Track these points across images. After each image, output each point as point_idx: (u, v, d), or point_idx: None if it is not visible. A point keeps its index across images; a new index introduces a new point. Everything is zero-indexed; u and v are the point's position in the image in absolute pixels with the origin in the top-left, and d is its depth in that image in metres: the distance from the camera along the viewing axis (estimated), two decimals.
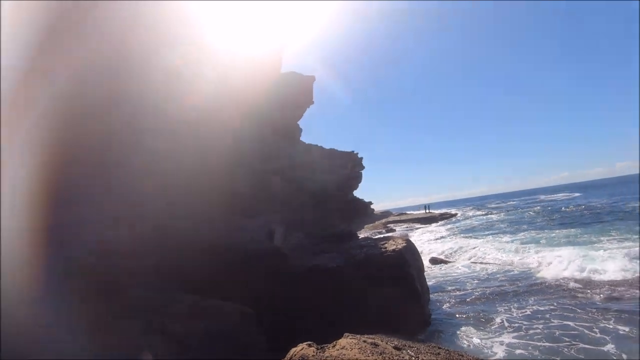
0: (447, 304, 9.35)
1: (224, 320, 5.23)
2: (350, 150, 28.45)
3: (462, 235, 24.75)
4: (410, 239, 9.40)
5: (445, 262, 14.41)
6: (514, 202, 67.06)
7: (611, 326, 6.63)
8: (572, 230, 19.35)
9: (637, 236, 14.35)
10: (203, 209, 6.84)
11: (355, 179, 28.91)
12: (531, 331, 6.88)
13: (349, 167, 25.60)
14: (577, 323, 6.95)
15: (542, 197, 76.47)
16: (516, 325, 7.31)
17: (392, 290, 7.11)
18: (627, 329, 6.41)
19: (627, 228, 17.06)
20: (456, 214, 49.10)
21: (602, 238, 15.32)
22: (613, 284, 9.15)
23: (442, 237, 25.13)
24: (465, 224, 34.36)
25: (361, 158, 32.42)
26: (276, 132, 8.76)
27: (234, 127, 7.57)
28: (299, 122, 11.36)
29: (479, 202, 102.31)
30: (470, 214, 48.47)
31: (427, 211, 54.47)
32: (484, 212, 46.88)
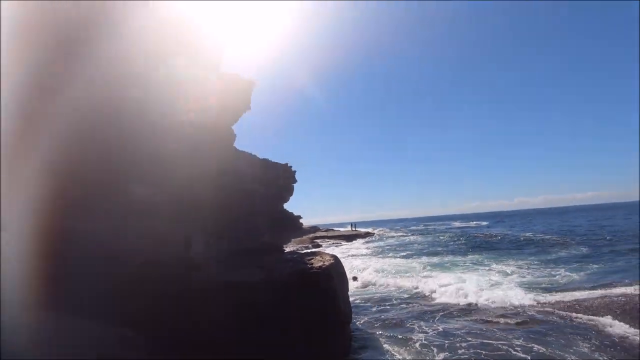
0: (366, 323, 9.35)
1: (92, 347, 4.35)
2: (284, 162, 28.31)
3: (382, 254, 25.87)
4: (338, 257, 9.24)
5: (366, 284, 14.70)
6: (431, 227, 72.44)
7: (526, 344, 7.16)
8: (478, 255, 21.43)
9: (524, 262, 16.49)
10: (107, 208, 6.07)
11: (286, 191, 28.73)
12: (459, 350, 7.12)
13: (281, 179, 25.40)
14: (491, 341, 7.47)
15: (457, 223, 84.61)
16: (437, 343, 7.49)
17: (316, 309, 6.72)
18: (542, 348, 6.96)
19: (520, 256, 19.45)
20: (380, 233, 51.42)
21: (500, 264, 17.11)
22: (512, 308, 9.81)
23: (363, 255, 25.98)
24: (387, 243, 36.11)
25: (294, 171, 32.45)
26: (207, 134, 8.20)
27: (162, 124, 6.94)
28: (233, 128, 10.94)
29: (401, 224, 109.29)
30: (393, 234, 51.16)
31: (354, 229, 56.26)
32: (404, 234, 49.83)
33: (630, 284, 11.05)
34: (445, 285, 12.55)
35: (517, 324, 8.35)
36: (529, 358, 6.51)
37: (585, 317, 8.51)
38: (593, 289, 11.06)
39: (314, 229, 54.69)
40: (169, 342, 5.38)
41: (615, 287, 11.13)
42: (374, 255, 25.57)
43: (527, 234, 33.21)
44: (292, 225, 31.88)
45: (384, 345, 7.67)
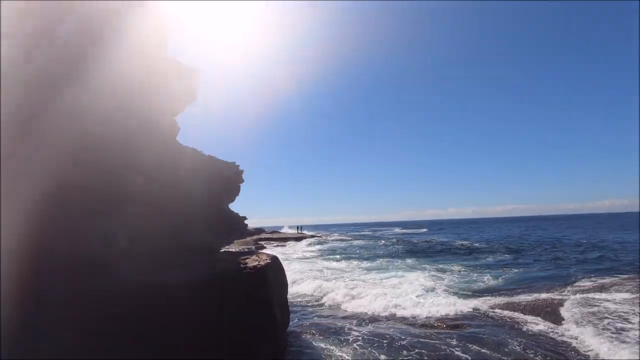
0: (301, 327, 9.06)
1: None
2: (232, 160, 27.38)
3: (323, 257, 26.25)
4: (278, 257, 8.74)
5: (302, 286, 14.50)
6: (378, 232, 74.92)
7: (464, 344, 7.44)
8: (414, 260, 22.48)
9: (458, 267, 17.55)
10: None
11: (232, 190, 27.72)
12: (400, 350, 7.18)
13: (228, 178, 24.46)
14: (430, 341, 7.70)
15: (397, 229, 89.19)
16: (376, 345, 7.51)
17: (247, 314, 6.12)
18: (479, 347, 7.27)
19: (456, 261, 20.69)
20: (326, 237, 51.90)
21: (434, 269, 18.00)
22: (446, 311, 10.03)
23: (304, 258, 26.02)
24: (330, 246, 36.63)
25: (242, 170, 31.47)
26: (141, 121, 7.46)
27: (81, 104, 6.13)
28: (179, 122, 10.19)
29: (348, 228, 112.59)
30: (337, 237, 52.05)
31: (300, 232, 56.26)
32: (349, 238, 50.83)
33: (552, 287, 12.27)
34: (381, 288, 12.87)
35: (452, 326, 8.72)
36: (469, 357, 6.76)
37: (514, 316, 9.15)
38: (522, 292, 11.98)
39: (259, 230, 53.85)
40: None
41: (540, 290, 12.19)
42: (315, 258, 25.81)
43: (464, 242, 35.66)
44: (235, 226, 30.90)
45: (321, 350, 7.47)
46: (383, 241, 41.32)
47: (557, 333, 7.85)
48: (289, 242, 41.22)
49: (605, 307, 9.26)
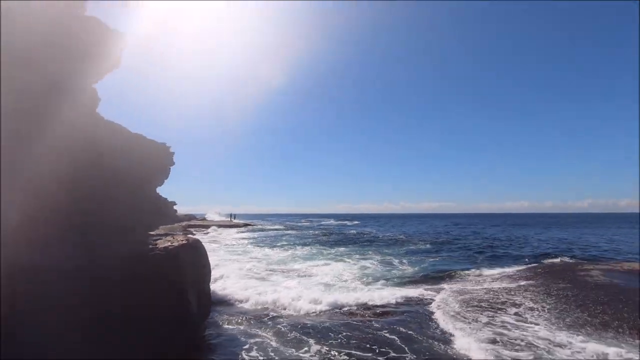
0: (223, 317, 8.51)
1: None
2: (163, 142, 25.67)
3: (254, 245, 26.18)
4: (200, 241, 7.94)
5: (228, 274, 14.16)
6: (315, 223, 76.06)
7: (392, 328, 7.70)
8: (343, 248, 23.47)
9: (385, 257, 18.55)
10: None
11: (161, 173, 26.06)
12: (330, 339, 7.05)
13: (156, 159, 22.92)
14: (358, 324, 7.95)
15: (332, 221, 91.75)
16: (306, 332, 7.37)
17: (154, 302, 5.45)
18: (405, 330, 7.55)
19: (383, 251, 21.83)
20: (259, 226, 51.42)
21: (363, 258, 18.80)
22: (372, 299, 10.07)
23: (235, 245, 25.63)
24: (263, 234, 36.56)
25: (172, 153, 29.71)
26: (55, 90, 6.61)
27: None
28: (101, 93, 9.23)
29: (283, 219, 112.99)
30: (271, 227, 51.97)
31: (233, 220, 54.95)
32: (283, 227, 51.04)
33: (457, 274, 13.57)
34: (306, 277, 13.16)
35: (378, 314, 8.85)
36: (396, 338, 7.08)
37: (436, 301, 9.73)
38: (440, 279, 13.00)
39: (190, 217, 51.51)
40: None
41: (454, 276, 13.36)
42: (245, 245, 25.63)
43: (399, 235, 37.89)
44: (164, 211, 29.18)
45: (244, 339, 7.06)
46: (316, 231, 42.25)
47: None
48: (219, 230, 40.08)
49: (491, 293, 10.42)
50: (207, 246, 24.71)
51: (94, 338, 4.98)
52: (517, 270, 13.95)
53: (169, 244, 6.22)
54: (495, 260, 18.25)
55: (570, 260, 16.82)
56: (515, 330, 7.19)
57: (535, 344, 6.47)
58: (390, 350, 6.52)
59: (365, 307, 9.46)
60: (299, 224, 71.66)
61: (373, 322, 8.25)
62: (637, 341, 6.35)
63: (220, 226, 43.50)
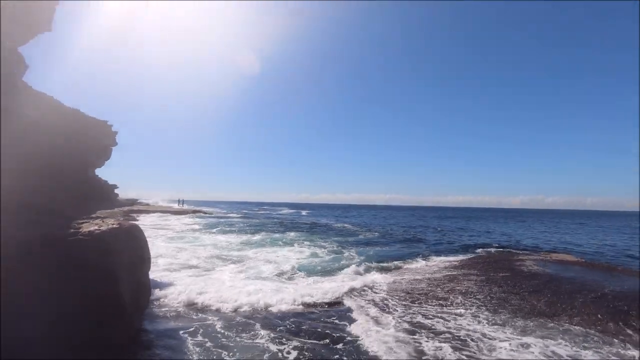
0: (166, 314, 7.68)
1: None
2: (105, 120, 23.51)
3: (203, 231, 25.28)
4: (139, 225, 7.06)
5: (170, 262, 13.40)
6: (261, 212, 75.07)
7: (343, 316, 7.64)
8: (294, 236, 23.47)
9: (332, 245, 18.75)
10: None
11: (100, 153, 23.95)
12: (278, 328, 6.70)
13: (94, 138, 20.91)
14: (310, 314, 7.67)
15: (285, 209, 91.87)
16: (251, 323, 6.98)
17: (76, 293, 4.82)
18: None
19: (331, 239, 22.06)
20: (209, 212, 49.65)
21: (313, 246, 18.85)
22: (321, 288, 10.24)
23: (181, 232, 24.49)
24: (211, 221, 35.47)
25: (115, 132, 27.45)
26: None
27: None
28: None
29: (236, 206, 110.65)
30: (221, 213, 50.54)
31: (181, 205, 52.49)
32: (234, 215, 49.74)
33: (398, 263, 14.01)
34: (253, 265, 12.85)
35: (330, 303, 8.71)
36: (317, 332, 6.90)
37: (369, 292, 9.89)
38: (382, 269, 13.25)
39: (133, 202, 48.34)
40: None
41: (396, 266, 13.73)
42: (192, 232, 24.64)
43: (345, 223, 38.52)
44: (103, 194, 26.92)
45: (183, 336, 6.43)
46: (268, 219, 41.84)
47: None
48: (166, 215, 38.07)
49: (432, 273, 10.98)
50: (150, 232, 23.26)
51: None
52: (460, 260, 14.67)
53: (96, 227, 5.43)
54: (439, 250, 19.13)
55: (509, 251, 18.19)
56: (445, 319, 7.46)
57: (464, 332, 6.63)
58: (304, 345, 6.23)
59: (300, 300, 8.90)
60: (253, 212, 70.55)
61: (305, 315, 7.97)
62: (567, 325, 6.89)
63: (165, 212, 41.34)
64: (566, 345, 5.97)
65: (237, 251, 16.25)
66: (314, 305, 8.65)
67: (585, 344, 6.03)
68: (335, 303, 8.80)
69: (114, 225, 5.64)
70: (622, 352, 5.78)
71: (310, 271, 12.33)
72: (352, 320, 7.48)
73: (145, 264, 6.86)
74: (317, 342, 6.33)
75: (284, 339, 6.38)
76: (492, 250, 19.04)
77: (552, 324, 6.98)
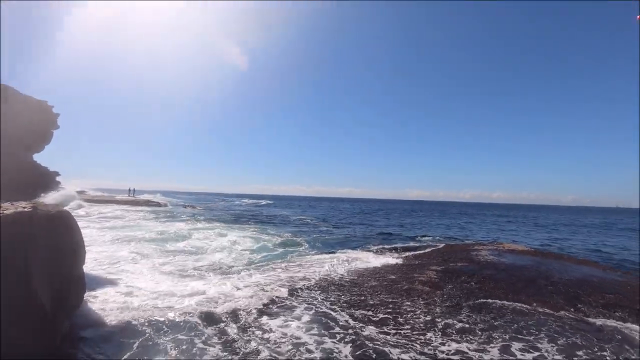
0: (98, 312, 6.64)
1: None
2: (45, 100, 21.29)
3: (153, 220, 24.44)
4: (68, 212, 5.90)
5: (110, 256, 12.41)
6: (228, 202, 73.10)
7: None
8: (247, 227, 23.31)
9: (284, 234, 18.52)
10: None
11: (39, 137, 21.70)
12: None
13: (32, 120, 18.84)
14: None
15: (246, 200, 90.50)
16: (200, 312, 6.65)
17: None
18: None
19: (286, 230, 21.80)
20: (164, 204, 47.31)
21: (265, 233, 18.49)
22: (268, 276, 10.41)
23: (124, 220, 23.14)
24: (159, 210, 34.39)
25: (57, 114, 25.04)
26: None
27: None
28: None
29: (194, 197, 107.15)
30: (178, 204, 48.52)
31: (132, 195, 49.40)
32: (190, 205, 47.86)
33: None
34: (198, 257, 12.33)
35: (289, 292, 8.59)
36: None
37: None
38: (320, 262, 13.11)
39: (79, 191, 44.82)
40: None
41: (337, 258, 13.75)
42: (142, 220, 23.46)
43: (301, 215, 38.36)
44: (42, 182, 24.57)
45: (117, 340, 5.60)
46: (222, 210, 40.79)
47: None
48: (113, 206, 35.57)
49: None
50: (92, 223, 21.56)
51: None
52: (413, 254, 14.94)
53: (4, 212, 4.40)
54: (390, 241, 19.43)
55: (464, 242, 18.95)
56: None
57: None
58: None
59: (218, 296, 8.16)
60: (209, 203, 68.43)
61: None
62: (534, 307, 7.17)
63: (114, 201, 38.68)
64: (532, 327, 6.25)
65: (173, 242, 15.48)
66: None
67: (549, 325, 6.34)
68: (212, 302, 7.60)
69: (26, 209, 4.60)
70: (578, 325, 6.28)
71: (242, 264, 11.73)
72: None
73: (77, 256, 5.92)
74: None
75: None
76: (453, 242, 19.74)
77: (520, 308, 7.29)
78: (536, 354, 5.27)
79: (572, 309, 7.28)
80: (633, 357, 5.19)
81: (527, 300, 7.77)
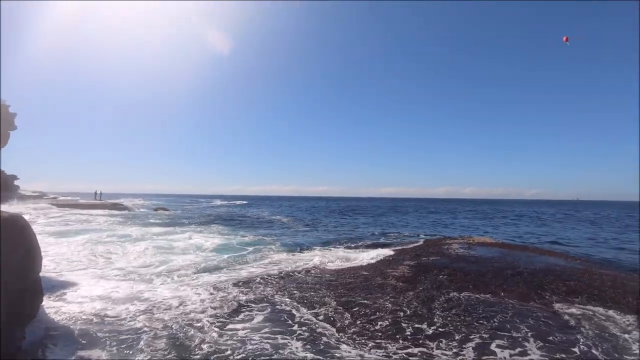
0: (57, 318, 6.32)
1: None
2: None
3: (119, 224, 23.40)
4: (21, 217, 5.48)
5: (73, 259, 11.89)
6: (198, 205, 71.43)
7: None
8: (216, 228, 22.78)
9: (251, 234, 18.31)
10: None
11: None
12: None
13: None
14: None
15: (218, 201, 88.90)
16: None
17: None
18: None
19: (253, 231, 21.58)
20: (134, 207, 45.64)
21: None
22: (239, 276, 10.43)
23: (94, 228, 22.16)
24: (129, 215, 33.02)
25: (14, 114, 23.57)
26: None
27: None
28: None
29: (164, 199, 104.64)
30: (144, 204, 47.01)
31: (98, 199, 47.28)
32: (161, 208, 46.42)
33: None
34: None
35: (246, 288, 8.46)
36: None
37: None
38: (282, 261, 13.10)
39: (40, 195, 42.52)
40: None
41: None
42: (108, 225, 22.51)
43: (275, 217, 38.07)
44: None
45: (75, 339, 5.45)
46: (194, 213, 39.92)
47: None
48: (75, 210, 33.89)
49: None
50: (45, 228, 20.44)
51: None
52: (388, 249, 15.16)
53: None
54: (365, 239, 19.56)
55: (437, 237, 19.40)
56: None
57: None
58: None
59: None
60: (184, 204, 66.82)
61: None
62: (502, 296, 7.39)
63: (77, 205, 36.85)
64: (505, 315, 6.48)
65: (138, 245, 14.72)
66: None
67: (518, 312, 6.61)
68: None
69: None
70: (542, 314, 6.45)
71: (201, 267, 11.06)
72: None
73: (32, 263, 5.57)
74: None
75: None
76: (425, 238, 20.14)
77: (492, 299, 7.50)
78: (513, 347, 5.43)
79: (536, 298, 7.58)
80: (606, 343, 5.40)
81: (496, 290, 8.03)
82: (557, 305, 7.10)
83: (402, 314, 6.73)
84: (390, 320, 6.42)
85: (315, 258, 12.72)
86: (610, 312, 6.71)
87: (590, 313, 6.69)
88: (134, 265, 11.16)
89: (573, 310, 6.85)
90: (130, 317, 6.49)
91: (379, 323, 6.29)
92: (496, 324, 6.14)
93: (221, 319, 6.42)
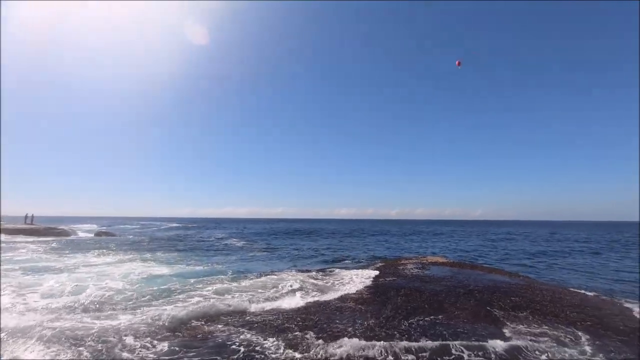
0: None
1: None
2: None
3: (54, 251, 21.22)
4: None
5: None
6: (153, 227, 67.34)
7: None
8: (160, 255, 21.19)
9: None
10: None
11: None
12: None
13: None
14: None
15: (174, 224, 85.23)
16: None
17: None
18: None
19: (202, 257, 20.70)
20: (71, 232, 41.83)
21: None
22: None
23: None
24: (66, 239, 30.20)
25: None
26: None
27: None
28: None
29: (113, 222, 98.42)
30: (91, 228, 43.36)
31: (29, 223, 42.64)
32: (103, 232, 43.04)
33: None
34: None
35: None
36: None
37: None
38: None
39: None
40: None
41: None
42: (32, 253, 20.36)
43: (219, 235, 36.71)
44: None
45: None
46: (141, 237, 37.49)
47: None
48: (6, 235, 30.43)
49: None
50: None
51: None
52: (345, 272, 15.23)
53: None
54: (322, 262, 19.44)
55: (394, 257, 19.75)
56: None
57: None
58: None
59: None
60: (134, 227, 62.65)
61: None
62: (454, 312, 7.57)
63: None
64: (458, 330, 6.56)
65: (61, 276, 13.04)
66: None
67: (468, 329, 6.77)
68: None
69: None
70: (492, 331, 6.63)
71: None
72: None
73: None
74: None
75: None
76: (381, 259, 20.42)
77: (440, 317, 7.64)
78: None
79: (485, 315, 7.90)
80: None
81: (449, 309, 8.27)
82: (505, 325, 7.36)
83: (357, 334, 6.65)
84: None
85: (268, 284, 11.82)
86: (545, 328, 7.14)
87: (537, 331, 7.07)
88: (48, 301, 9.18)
89: (521, 327, 7.20)
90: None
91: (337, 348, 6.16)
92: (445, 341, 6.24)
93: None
